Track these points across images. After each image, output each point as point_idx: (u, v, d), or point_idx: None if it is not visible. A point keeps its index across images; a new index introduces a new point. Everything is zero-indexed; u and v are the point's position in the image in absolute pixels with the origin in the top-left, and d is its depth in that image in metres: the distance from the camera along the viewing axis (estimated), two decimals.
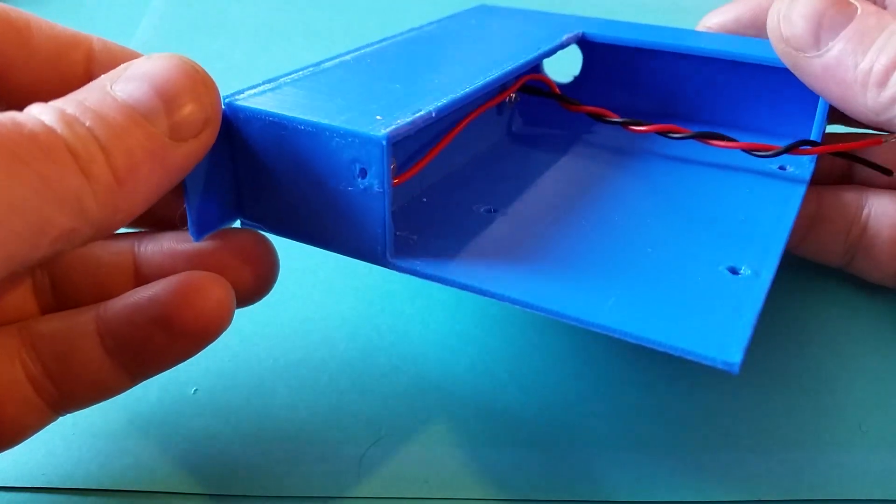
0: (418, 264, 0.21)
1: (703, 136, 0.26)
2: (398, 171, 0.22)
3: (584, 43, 0.30)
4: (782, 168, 0.27)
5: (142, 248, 0.22)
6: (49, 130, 0.16)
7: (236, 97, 0.21)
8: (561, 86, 0.32)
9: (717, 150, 0.26)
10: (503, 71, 0.24)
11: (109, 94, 0.17)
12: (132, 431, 0.24)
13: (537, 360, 0.26)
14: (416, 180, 0.24)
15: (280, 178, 0.21)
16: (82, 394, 0.21)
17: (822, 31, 0.23)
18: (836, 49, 0.23)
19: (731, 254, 0.22)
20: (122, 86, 0.17)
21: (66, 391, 0.20)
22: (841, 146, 0.26)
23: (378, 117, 0.20)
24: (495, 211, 0.24)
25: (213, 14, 0.44)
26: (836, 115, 0.26)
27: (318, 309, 0.28)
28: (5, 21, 0.19)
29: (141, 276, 0.22)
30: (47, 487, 0.22)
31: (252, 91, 0.21)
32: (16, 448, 0.20)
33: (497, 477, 0.23)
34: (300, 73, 0.23)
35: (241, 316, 0.27)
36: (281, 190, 0.21)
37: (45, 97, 0.18)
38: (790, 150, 0.25)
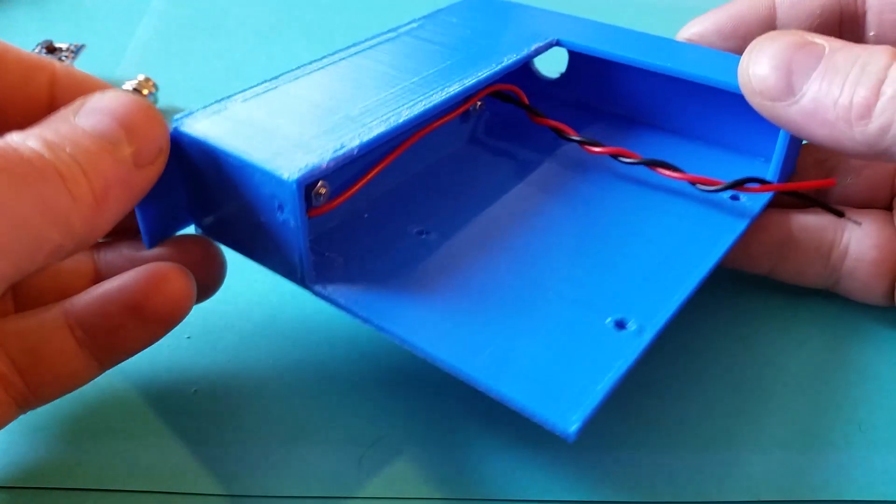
0: (334, 292, 0.22)
1: (652, 164, 0.26)
2: (334, 195, 0.23)
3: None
4: (735, 198, 0.27)
5: (101, 256, 0.24)
6: (40, 155, 0.18)
7: (184, 120, 0.22)
8: (548, 81, 0.32)
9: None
10: (462, 88, 0.25)
11: (78, 125, 0.19)
12: (132, 431, 0.24)
13: None
14: (361, 195, 0.25)
15: (219, 197, 0.22)
16: (51, 386, 0.22)
17: (793, 77, 0.22)
18: (812, 92, 0.22)
19: (625, 305, 0.22)
20: (86, 118, 0.20)
21: (35, 385, 0.22)
22: (791, 186, 0.25)
23: (299, 154, 0.21)
24: (427, 234, 0.25)
25: (213, 14, 0.44)
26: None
27: (318, 309, 0.28)
28: None
29: (100, 280, 0.23)
30: (47, 487, 0.22)
31: (202, 112, 0.23)
32: (16, 448, 0.20)
33: (497, 477, 0.23)
34: (253, 90, 0.24)
35: (242, 316, 0.27)
36: (221, 206, 0.23)
37: (13, 117, 0.21)
38: (735, 186, 0.25)
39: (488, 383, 0.20)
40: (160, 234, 0.24)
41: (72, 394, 0.24)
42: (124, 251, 0.24)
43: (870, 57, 0.21)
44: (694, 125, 0.30)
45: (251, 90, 0.24)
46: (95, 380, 0.25)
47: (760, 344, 0.27)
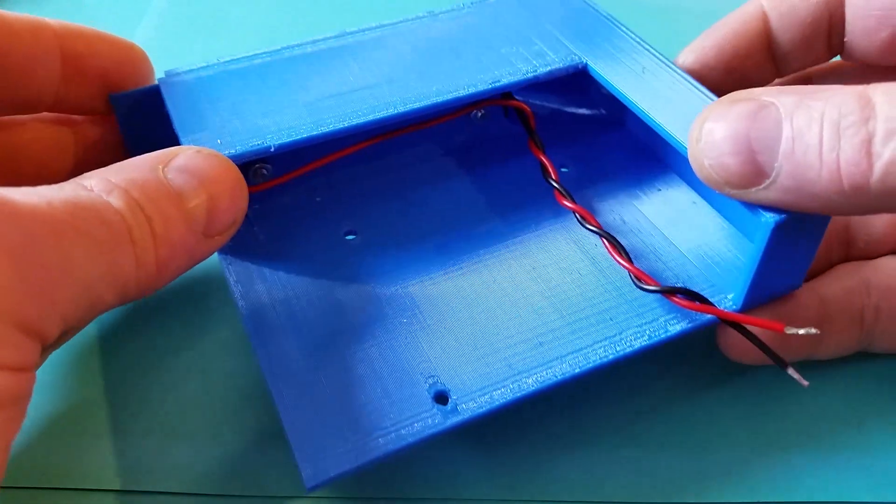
0: (231, 265, 0.24)
1: (605, 237, 0.24)
2: (278, 175, 0.25)
3: None
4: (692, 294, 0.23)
5: (80, 131, 0.25)
6: (120, 218, 0.18)
7: (172, 77, 0.25)
8: (598, 90, 0.29)
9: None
10: (443, 100, 0.25)
11: (165, 182, 0.19)
12: (132, 431, 0.24)
13: None
14: (321, 182, 0.26)
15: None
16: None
17: (758, 157, 0.19)
18: (787, 167, 0.19)
19: (459, 380, 0.21)
20: (175, 175, 0.19)
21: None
22: (733, 317, 0.22)
23: (218, 141, 0.23)
24: (353, 237, 0.26)
25: (213, 14, 0.44)
26: None
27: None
28: None
29: (79, 157, 0.25)
30: (47, 487, 0.22)
31: (189, 72, 0.25)
32: (16, 448, 0.20)
33: (497, 477, 0.23)
34: (245, 62, 0.26)
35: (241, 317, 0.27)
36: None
37: (32, 70, 0.21)
38: (666, 293, 0.22)
39: (278, 404, 0.20)
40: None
41: (72, 394, 0.24)
42: (107, 136, 0.26)
43: (836, 106, 0.18)
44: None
45: (242, 59, 0.26)
46: (95, 380, 0.25)
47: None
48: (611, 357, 0.22)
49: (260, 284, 0.24)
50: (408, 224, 0.26)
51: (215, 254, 0.22)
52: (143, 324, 0.27)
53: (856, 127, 0.18)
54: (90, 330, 0.26)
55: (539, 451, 0.24)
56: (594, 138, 0.30)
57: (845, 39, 0.27)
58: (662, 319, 0.23)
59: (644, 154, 0.29)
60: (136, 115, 0.25)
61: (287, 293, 0.23)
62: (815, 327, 0.20)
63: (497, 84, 0.26)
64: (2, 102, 0.22)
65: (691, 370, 0.26)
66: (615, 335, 0.22)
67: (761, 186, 0.19)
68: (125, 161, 0.20)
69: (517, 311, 0.23)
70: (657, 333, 0.22)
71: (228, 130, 0.23)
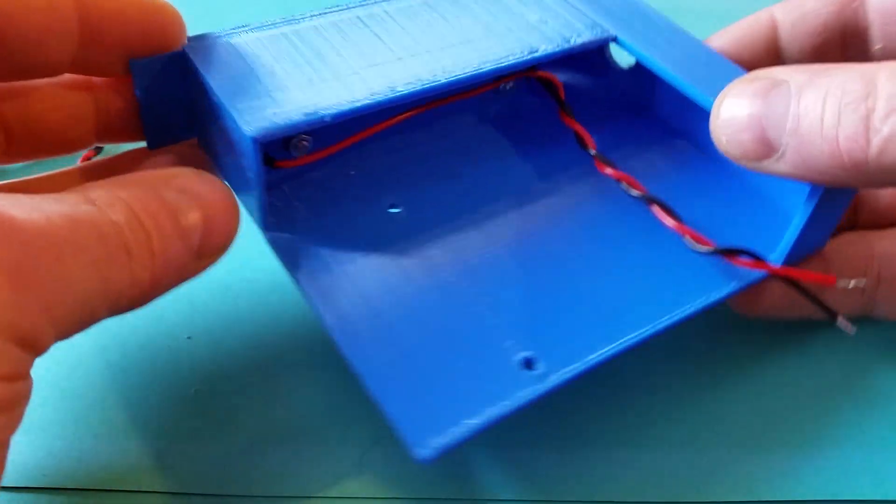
0: (278, 241, 0.23)
1: (651, 201, 0.24)
2: (317, 148, 0.24)
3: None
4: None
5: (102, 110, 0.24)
6: (119, 231, 0.18)
7: (194, 43, 0.23)
8: (617, 70, 0.30)
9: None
10: (476, 72, 0.24)
11: (166, 200, 0.19)
12: (132, 431, 0.24)
13: None
14: (353, 155, 0.25)
15: (208, 122, 0.23)
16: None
17: (767, 133, 0.20)
18: (793, 143, 0.20)
19: (544, 344, 0.21)
20: (175, 195, 0.20)
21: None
22: (787, 272, 0.23)
23: (274, 111, 0.21)
24: (396, 209, 0.25)
25: (213, 14, 0.44)
26: None
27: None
28: None
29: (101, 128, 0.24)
30: (47, 487, 0.22)
31: (212, 38, 0.24)
32: (16, 448, 0.20)
33: (497, 477, 0.23)
34: (272, 26, 0.25)
35: (242, 316, 0.27)
36: (209, 131, 0.23)
37: (47, 39, 0.21)
38: (724, 254, 0.23)
39: (369, 384, 0.20)
40: (162, 140, 0.24)
41: (72, 394, 0.24)
42: (129, 103, 0.24)
43: (840, 84, 0.19)
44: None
45: (270, 26, 0.25)
46: (95, 379, 0.25)
47: (761, 345, 0.27)
48: (676, 319, 0.22)
49: (315, 262, 0.23)
50: (450, 195, 0.26)
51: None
52: (144, 323, 0.27)
53: (856, 104, 0.19)
54: (91, 329, 0.26)
55: (539, 451, 0.24)
56: (616, 120, 0.30)
57: (877, 47, 0.26)
58: (715, 280, 0.24)
59: (668, 132, 0.29)
60: (155, 84, 0.23)
61: (347, 269, 0.23)
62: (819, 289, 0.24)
63: (535, 54, 0.25)
64: (15, 67, 0.21)
65: (691, 370, 0.26)
66: (676, 298, 0.23)
67: (772, 160, 0.21)
68: (129, 175, 0.20)
69: (576, 277, 0.24)
70: (715, 294, 0.23)
71: (276, 100, 0.22)
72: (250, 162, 0.21)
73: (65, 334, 0.18)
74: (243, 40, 0.24)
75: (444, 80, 0.23)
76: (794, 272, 0.23)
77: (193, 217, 0.20)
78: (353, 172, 0.26)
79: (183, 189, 0.20)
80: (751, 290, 0.24)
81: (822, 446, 0.24)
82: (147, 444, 0.23)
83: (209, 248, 0.20)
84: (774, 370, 0.26)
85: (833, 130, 0.19)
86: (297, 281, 0.22)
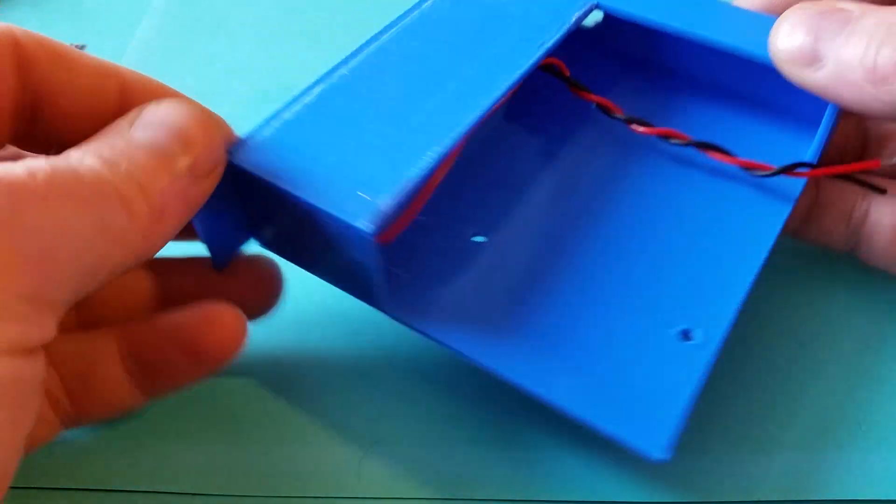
0: (406, 311, 0.22)
1: (703, 147, 0.25)
2: (392, 219, 0.21)
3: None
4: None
5: (161, 272, 0.24)
6: (98, 175, 0.18)
7: (239, 152, 0.21)
8: (582, 30, 0.30)
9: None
10: (517, 77, 0.24)
11: (133, 138, 0.19)
12: (132, 431, 0.24)
13: None
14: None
15: (285, 224, 0.22)
16: (97, 411, 0.22)
17: (818, 43, 0.23)
18: (836, 55, 0.22)
19: (688, 312, 0.22)
20: (142, 131, 0.19)
21: (82, 408, 0.22)
22: (839, 169, 0.25)
23: (367, 197, 0.20)
24: (481, 236, 0.25)
25: (213, 14, 0.44)
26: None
27: (318, 309, 0.28)
28: (51, 49, 0.20)
29: (162, 298, 0.24)
30: (48, 487, 0.22)
31: (254, 140, 0.21)
32: None
33: (497, 477, 0.23)
34: (299, 103, 0.23)
35: None
36: (285, 230, 0.22)
37: (83, 124, 0.21)
38: (786, 171, 0.25)
39: (574, 411, 0.20)
40: (225, 254, 0.24)
41: None
42: (182, 267, 0.24)
43: (891, 16, 0.21)
44: (728, 88, 0.29)
45: (296, 103, 0.22)
46: None
47: (760, 344, 0.27)
48: (767, 251, 0.24)
49: (451, 320, 0.22)
50: (522, 206, 0.26)
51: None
52: None
53: None
54: None
55: (539, 450, 0.24)
56: (615, 83, 0.30)
57: None
58: (774, 203, 0.25)
59: (661, 77, 0.30)
60: (212, 207, 0.21)
61: (481, 312, 0.22)
62: (806, 210, 0.27)
63: (546, 46, 0.25)
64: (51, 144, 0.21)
65: None
66: (756, 233, 0.24)
67: (813, 69, 0.23)
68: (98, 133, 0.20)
69: (669, 245, 0.24)
70: (784, 211, 0.25)
71: (360, 181, 0.20)
72: (369, 256, 0.20)
73: (81, 285, 0.17)
74: (280, 128, 0.22)
75: (493, 98, 0.23)
76: (842, 168, 0.25)
77: (166, 142, 0.19)
78: (422, 218, 0.24)
79: (150, 123, 0.20)
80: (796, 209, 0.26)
81: (822, 446, 0.24)
82: (147, 444, 0.24)
83: (200, 168, 0.20)
84: (774, 370, 0.26)
85: (872, 50, 0.21)
86: (459, 352, 0.21)
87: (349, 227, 0.19)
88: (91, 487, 0.22)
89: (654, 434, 0.20)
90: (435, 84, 0.23)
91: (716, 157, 0.25)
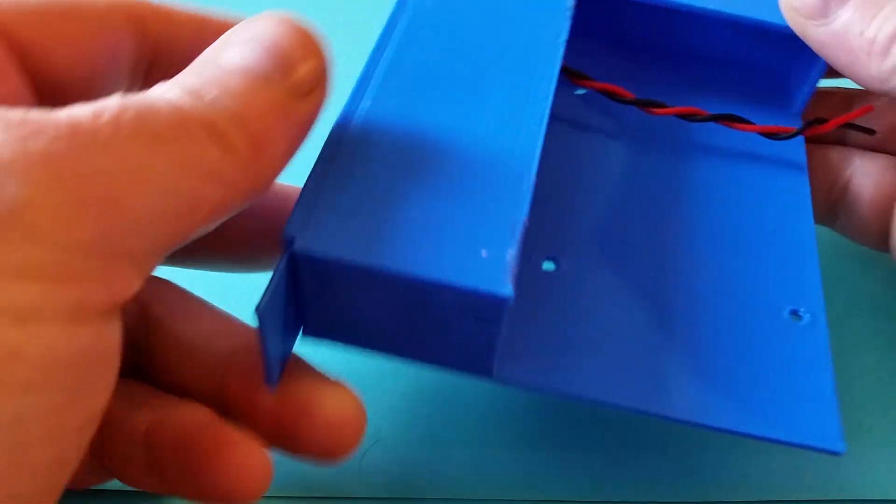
0: (516, 375, 0.19)
1: (724, 119, 0.25)
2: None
3: None
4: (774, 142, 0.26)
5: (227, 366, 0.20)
6: (178, 108, 0.16)
7: (298, 240, 0.17)
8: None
9: (704, 127, 0.25)
10: (553, 81, 0.21)
11: (223, 64, 0.17)
12: None
13: None
14: None
15: (361, 303, 0.18)
16: (110, 473, 0.20)
17: (830, 4, 0.23)
18: (844, 17, 0.23)
19: (785, 291, 0.22)
20: (232, 52, 0.17)
21: (99, 466, 0.20)
22: (843, 119, 0.26)
23: (483, 253, 0.17)
24: (555, 261, 0.22)
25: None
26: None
27: None
28: (155, 6, 0.19)
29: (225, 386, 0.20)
30: None
31: (311, 222, 0.17)
32: None
33: (497, 477, 0.23)
34: (331, 162, 0.18)
35: (242, 317, 0.27)
36: (362, 310, 0.18)
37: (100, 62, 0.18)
38: (807, 129, 0.25)
39: (740, 430, 0.20)
40: (279, 364, 0.19)
41: None
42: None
43: None
44: (706, 58, 0.28)
45: (332, 159, 0.18)
46: None
47: None
48: (809, 211, 0.24)
49: (546, 369, 0.20)
50: (582, 221, 0.23)
51: None
52: None
53: None
54: None
55: (539, 451, 0.24)
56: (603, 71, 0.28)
57: None
58: (790, 165, 0.25)
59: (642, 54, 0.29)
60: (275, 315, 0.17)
61: (587, 347, 0.20)
62: None
63: (562, 38, 0.23)
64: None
65: None
66: (789, 199, 0.25)
67: (817, 23, 0.23)
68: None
69: (734, 230, 0.24)
70: (803, 168, 0.25)
71: (462, 234, 0.17)
72: (496, 322, 0.17)
73: (172, 232, 0.15)
74: (332, 192, 0.18)
75: (546, 105, 0.20)
76: (846, 117, 0.26)
77: (259, 61, 0.17)
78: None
79: (237, 42, 0.17)
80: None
81: None
82: None
83: (301, 85, 0.17)
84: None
85: (877, 25, 0.22)
86: (583, 400, 0.19)
87: (482, 296, 0.16)
88: (91, 487, 0.22)
89: (823, 429, 0.19)
90: (476, 103, 0.20)
91: (740, 128, 0.25)
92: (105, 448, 0.19)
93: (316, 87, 0.18)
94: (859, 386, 0.26)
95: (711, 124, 0.25)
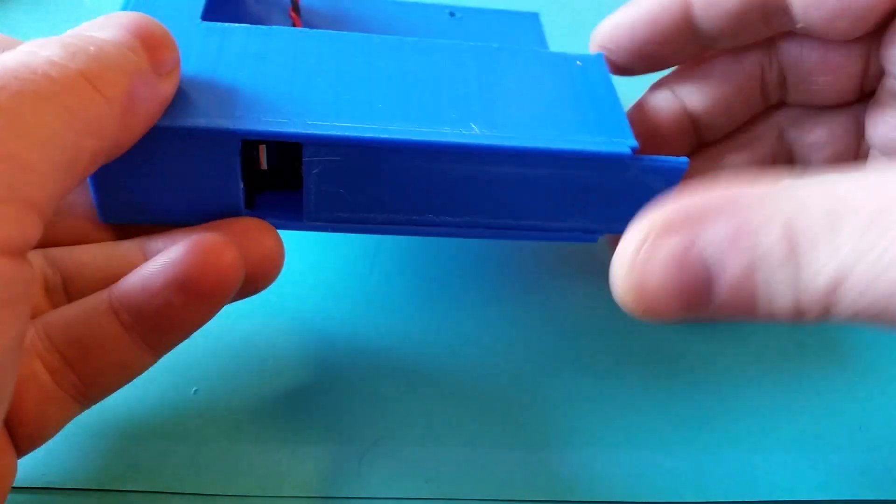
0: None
1: None
2: None
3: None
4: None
5: (150, 244, 0.23)
6: (60, 64, 0.17)
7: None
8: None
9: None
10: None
11: (95, 36, 0.19)
12: (132, 431, 0.24)
13: (539, 362, 0.26)
14: None
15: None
16: (105, 377, 0.21)
17: (690, 301, 0.16)
18: (722, 296, 0.16)
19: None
20: (102, 31, 0.19)
21: (88, 377, 0.21)
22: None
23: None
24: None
25: None
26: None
27: (317, 309, 0.28)
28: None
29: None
30: (47, 487, 0.22)
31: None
32: None
33: (497, 477, 0.23)
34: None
35: (242, 317, 0.27)
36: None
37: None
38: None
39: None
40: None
41: None
42: (174, 236, 0.22)
43: (764, 250, 0.15)
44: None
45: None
46: None
47: (759, 344, 0.27)
48: None
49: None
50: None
51: None
52: None
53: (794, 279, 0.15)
54: None
55: (539, 451, 0.24)
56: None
57: (798, 25, 0.23)
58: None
59: None
60: None
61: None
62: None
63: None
64: None
65: (689, 370, 0.26)
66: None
67: (707, 308, 0.17)
68: None
69: None
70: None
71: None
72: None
73: (58, 182, 0.17)
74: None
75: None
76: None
77: (127, 38, 0.19)
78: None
79: (105, 24, 0.19)
80: None
81: (822, 446, 0.24)
82: (147, 444, 0.24)
83: (162, 65, 0.19)
84: (773, 370, 0.26)
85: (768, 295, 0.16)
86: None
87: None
88: (91, 487, 0.22)
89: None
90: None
91: None
92: (85, 350, 0.21)
93: (172, 72, 0.20)
94: (858, 388, 0.26)
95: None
